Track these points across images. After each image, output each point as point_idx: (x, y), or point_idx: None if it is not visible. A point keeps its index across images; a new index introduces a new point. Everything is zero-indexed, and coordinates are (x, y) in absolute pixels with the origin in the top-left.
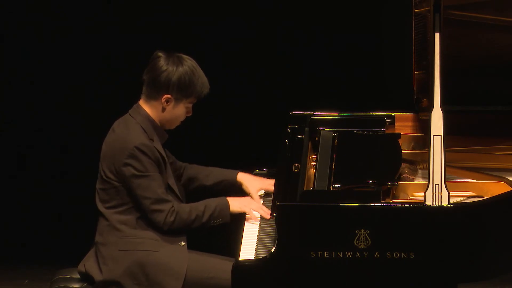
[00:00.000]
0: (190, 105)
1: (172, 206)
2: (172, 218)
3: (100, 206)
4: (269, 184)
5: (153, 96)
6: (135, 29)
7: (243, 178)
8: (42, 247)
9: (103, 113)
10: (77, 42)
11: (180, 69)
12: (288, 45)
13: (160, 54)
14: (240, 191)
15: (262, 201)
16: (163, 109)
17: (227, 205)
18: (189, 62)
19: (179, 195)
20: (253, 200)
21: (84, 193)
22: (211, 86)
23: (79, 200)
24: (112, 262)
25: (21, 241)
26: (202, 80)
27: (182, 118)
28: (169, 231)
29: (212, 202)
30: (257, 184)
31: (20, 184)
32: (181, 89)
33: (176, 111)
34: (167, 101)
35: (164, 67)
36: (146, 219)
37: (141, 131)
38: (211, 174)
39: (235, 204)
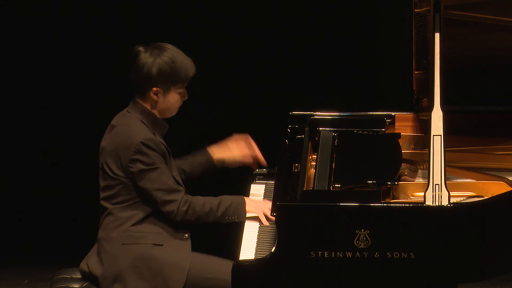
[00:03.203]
0: (183, 90)
1: (184, 195)
2: (185, 208)
3: (106, 203)
4: (240, 138)
5: (142, 92)
6: (135, 29)
7: (216, 150)
8: (42, 247)
9: (102, 111)
10: (77, 42)
11: (158, 60)
12: (288, 45)
13: (138, 49)
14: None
15: (262, 199)
16: (156, 102)
17: (243, 203)
18: (168, 51)
19: (184, 188)
20: (268, 204)
21: (84, 193)
22: (211, 86)
23: (79, 200)
24: (115, 256)
25: (22, 241)
26: (185, 65)
27: (179, 103)
28: (182, 222)
29: (227, 198)
30: (228, 143)
31: (20, 184)
32: (165, 78)
33: (169, 100)
34: (156, 93)
35: (143, 61)
36: (154, 214)
37: (143, 126)
38: (187, 160)
39: (251, 204)
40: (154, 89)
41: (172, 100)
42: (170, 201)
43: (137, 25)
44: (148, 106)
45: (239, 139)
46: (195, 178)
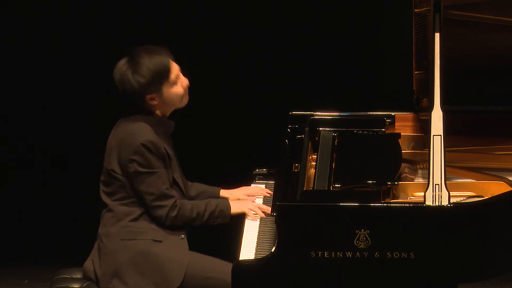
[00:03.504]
0: (176, 79)
1: (175, 202)
2: (174, 213)
3: (106, 199)
4: (256, 188)
5: (141, 104)
6: (135, 29)
7: (227, 193)
8: (42, 247)
9: (102, 111)
10: (77, 42)
11: (134, 77)
12: (288, 45)
13: (119, 64)
14: None
15: (262, 201)
16: (157, 105)
17: (227, 206)
18: (143, 57)
19: (183, 190)
20: (249, 201)
21: (84, 193)
22: (212, 85)
23: (79, 200)
24: (115, 252)
25: (22, 241)
26: (159, 62)
27: (181, 91)
28: (170, 226)
29: (213, 202)
30: (241, 191)
31: (20, 184)
32: (152, 83)
33: (168, 96)
34: (152, 99)
35: (126, 77)
36: (150, 213)
37: (147, 127)
38: (194, 185)
39: (235, 205)
40: (148, 96)
41: (171, 94)
42: (160, 207)
43: (137, 25)
44: (151, 109)
45: (251, 195)
46: None
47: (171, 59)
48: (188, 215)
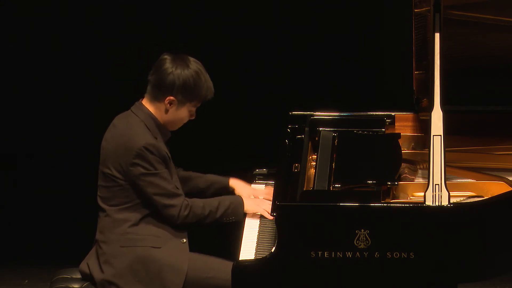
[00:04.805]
0: (194, 109)
1: (185, 200)
2: (186, 212)
3: (102, 204)
4: (260, 192)
5: (157, 98)
6: (135, 29)
7: (235, 184)
8: (42, 247)
9: (102, 111)
10: (77, 42)
11: (186, 72)
12: (288, 45)
13: (166, 56)
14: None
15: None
16: (166, 111)
17: (241, 203)
18: (195, 66)
19: (183, 194)
20: (265, 200)
21: (84, 193)
22: (212, 85)
23: (79, 200)
24: (114, 259)
25: (22, 241)
26: (208, 85)
27: (185, 120)
28: (183, 225)
29: (226, 199)
30: (247, 190)
31: (20, 184)
32: (186, 92)
33: (179, 114)
34: (171, 103)
35: (170, 70)
36: (151, 217)
37: (145, 130)
38: (204, 177)
39: (249, 203)
40: (171, 98)
41: (181, 115)
42: (171, 206)
43: (137, 25)
44: (154, 112)
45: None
46: (206, 196)
47: (208, 99)
48: (200, 213)
